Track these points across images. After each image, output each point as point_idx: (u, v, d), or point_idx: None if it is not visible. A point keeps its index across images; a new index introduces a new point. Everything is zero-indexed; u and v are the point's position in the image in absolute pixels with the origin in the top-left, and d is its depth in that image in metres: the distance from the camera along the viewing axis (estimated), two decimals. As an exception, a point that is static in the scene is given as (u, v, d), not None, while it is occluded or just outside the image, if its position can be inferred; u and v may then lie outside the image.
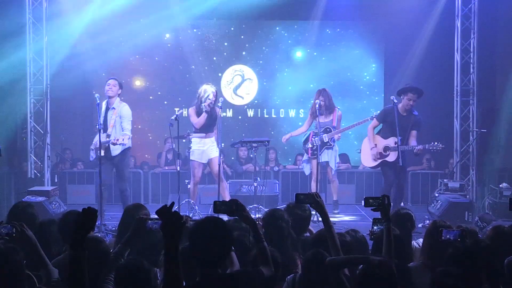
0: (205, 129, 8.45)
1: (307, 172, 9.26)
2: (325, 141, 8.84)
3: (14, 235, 3.45)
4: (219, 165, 8.22)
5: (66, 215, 4.20)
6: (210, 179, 9.96)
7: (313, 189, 8.60)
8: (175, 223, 2.67)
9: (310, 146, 8.97)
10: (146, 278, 3.24)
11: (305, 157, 9.24)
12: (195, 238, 3.06)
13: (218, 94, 8.56)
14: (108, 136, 8.10)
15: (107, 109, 8.29)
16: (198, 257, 3.03)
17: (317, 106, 8.63)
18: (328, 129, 8.86)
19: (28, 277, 3.34)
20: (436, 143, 8.17)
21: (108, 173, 8.34)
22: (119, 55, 11.52)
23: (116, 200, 9.88)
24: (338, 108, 8.99)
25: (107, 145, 8.06)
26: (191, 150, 8.50)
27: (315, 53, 11.78)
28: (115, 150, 8.19)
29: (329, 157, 8.96)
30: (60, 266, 3.50)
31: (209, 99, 8.29)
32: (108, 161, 8.23)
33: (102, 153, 7.95)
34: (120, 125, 8.22)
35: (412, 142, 8.19)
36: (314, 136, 8.92)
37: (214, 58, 11.86)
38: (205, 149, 8.47)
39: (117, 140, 7.89)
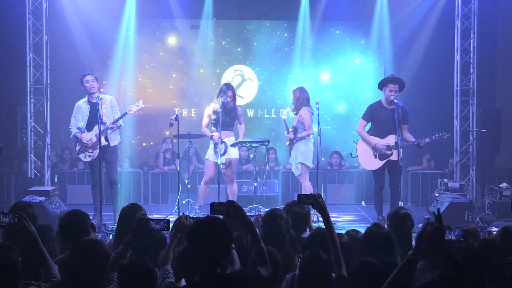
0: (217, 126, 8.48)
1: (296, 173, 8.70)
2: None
3: (16, 221, 3.40)
4: (219, 165, 8.23)
5: (67, 215, 4.19)
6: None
7: (304, 191, 7.96)
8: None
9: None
10: (150, 278, 3.25)
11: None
12: (195, 238, 3.06)
13: (234, 94, 8.60)
14: (104, 125, 8.04)
15: (94, 103, 8.10)
16: (197, 256, 3.03)
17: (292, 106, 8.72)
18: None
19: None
20: (441, 133, 8.13)
21: (98, 173, 8.18)
22: (119, 55, 11.51)
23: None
24: (306, 108, 8.62)
25: (105, 134, 8.07)
26: (208, 149, 8.56)
27: (315, 53, 11.76)
28: (115, 141, 8.27)
29: (292, 158, 8.66)
30: (61, 265, 3.50)
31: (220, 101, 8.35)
32: (97, 160, 8.13)
33: (103, 142, 8.00)
34: (112, 115, 8.19)
35: (409, 136, 8.19)
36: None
37: (214, 58, 11.84)
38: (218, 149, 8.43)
39: (117, 124, 8.09)
